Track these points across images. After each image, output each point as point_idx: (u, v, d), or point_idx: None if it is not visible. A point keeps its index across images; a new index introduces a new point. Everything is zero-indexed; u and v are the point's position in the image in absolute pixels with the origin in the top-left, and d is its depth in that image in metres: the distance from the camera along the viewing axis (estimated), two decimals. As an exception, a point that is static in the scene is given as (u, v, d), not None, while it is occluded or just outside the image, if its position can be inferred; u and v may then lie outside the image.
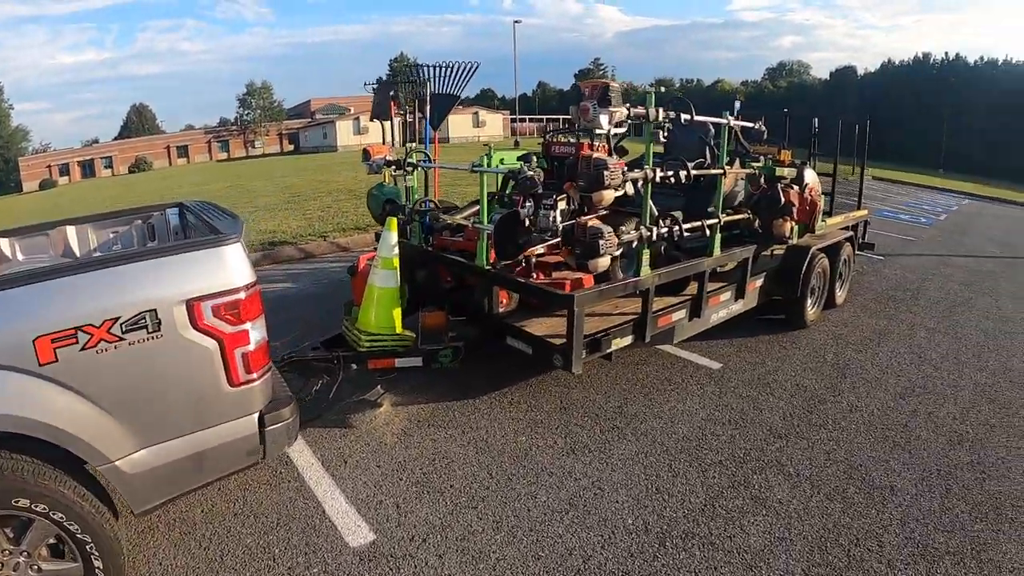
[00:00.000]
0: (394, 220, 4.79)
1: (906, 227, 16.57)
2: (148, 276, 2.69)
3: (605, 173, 3.99)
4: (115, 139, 77.00)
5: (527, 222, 4.33)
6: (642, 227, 4.62)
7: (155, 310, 2.65)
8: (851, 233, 8.31)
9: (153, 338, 2.66)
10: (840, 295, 8.03)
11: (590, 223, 4.11)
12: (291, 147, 71.75)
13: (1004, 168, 50.58)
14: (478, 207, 5.04)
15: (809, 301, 7.03)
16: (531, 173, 4.25)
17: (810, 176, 6.54)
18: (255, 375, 2.97)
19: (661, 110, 4.56)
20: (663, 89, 5.57)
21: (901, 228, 16.08)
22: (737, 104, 6.47)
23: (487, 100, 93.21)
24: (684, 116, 4.78)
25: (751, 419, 4.93)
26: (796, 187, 6.10)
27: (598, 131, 4.31)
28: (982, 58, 76.05)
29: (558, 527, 3.58)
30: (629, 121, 4.54)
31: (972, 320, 8.03)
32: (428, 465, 4.16)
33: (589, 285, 4.76)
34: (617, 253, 4.37)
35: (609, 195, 4.11)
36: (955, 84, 70.26)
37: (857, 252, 8.73)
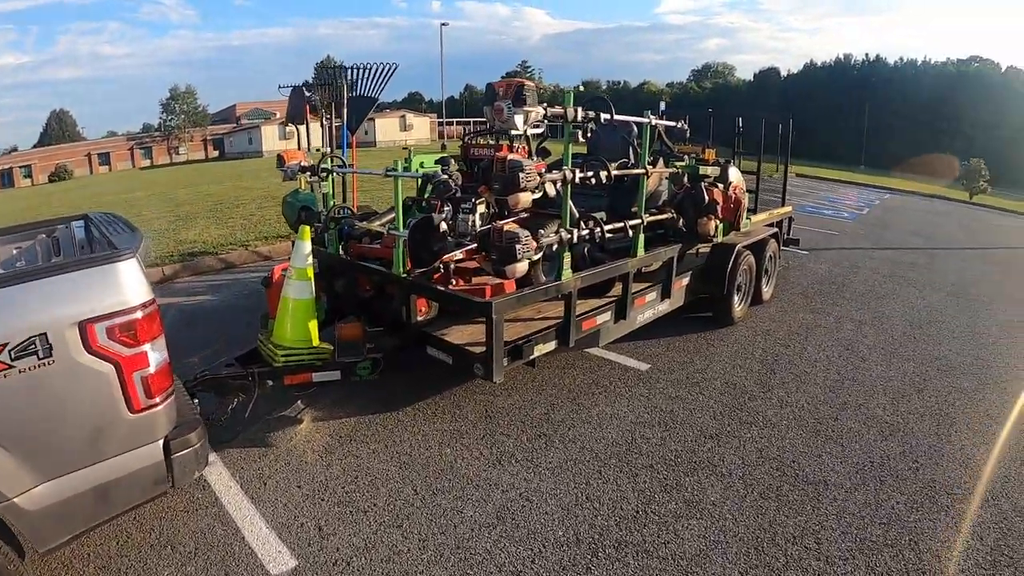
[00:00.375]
0: (307, 229, 4.58)
1: (830, 222, 16.97)
2: (36, 297, 2.51)
3: (520, 175, 3.85)
4: (35, 147, 73.84)
5: (442, 227, 4.18)
6: (562, 230, 4.51)
7: (46, 334, 2.47)
8: (776, 230, 8.40)
9: (45, 364, 2.47)
10: (766, 291, 8.11)
11: (506, 227, 3.96)
12: (216, 153, 69.99)
13: (923, 163, 52.48)
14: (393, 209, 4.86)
15: (736, 298, 7.06)
16: (445, 177, 4.11)
17: (734, 174, 6.55)
18: (157, 399, 2.79)
19: (580, 109, 4.45)
20: (583, 88, 5.48)
21: (825, 223, 16.46)
22: (662, 105, 6.45)
23: (415, 103, 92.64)
24: (604, 115, 4.68)
25: (681, 420, 4.87)
26: (720, 185, 6.09)
27: (513, 132, 4.18)
28: (902, 59, 79.08)
29: (486, 542, 3.45)
30: (546, 121, 4.41)
31: (898, 311, 8.23)
32: (350, 483, 3.97)
33: (511, 290, 4.64)
34: (536, 257, 4.24)
35: (525, 198, 3.98)
36: (875, 84, 72.77)
37: (782, 248, 8.85)
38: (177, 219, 13.71)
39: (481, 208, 4.40)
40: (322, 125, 7.24)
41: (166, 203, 17.44)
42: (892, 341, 6.97)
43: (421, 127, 63.71)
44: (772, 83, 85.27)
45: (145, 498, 2.96)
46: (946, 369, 6.19)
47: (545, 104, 4.20)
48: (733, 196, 6.29)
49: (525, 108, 3.97)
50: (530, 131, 4.28)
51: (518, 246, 3.92)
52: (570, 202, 4.62)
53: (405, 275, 4.71)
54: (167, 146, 71.32)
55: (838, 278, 9.93)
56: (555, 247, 4.46)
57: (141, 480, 2.83)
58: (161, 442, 2.85)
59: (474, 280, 4.96)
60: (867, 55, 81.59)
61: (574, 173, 4.49)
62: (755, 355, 6.28)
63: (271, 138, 54.33)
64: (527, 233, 4.00)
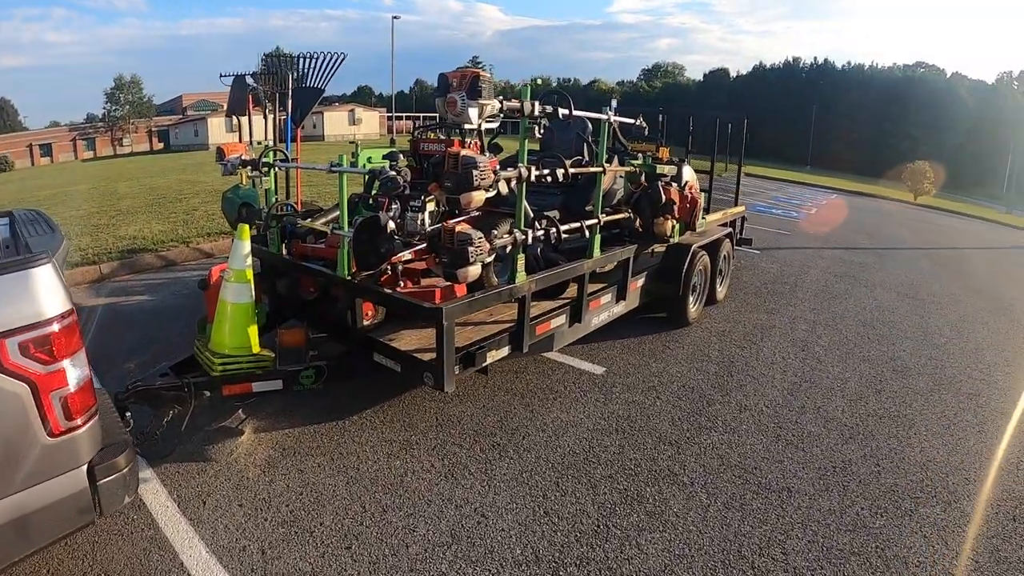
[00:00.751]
0: (246, 227, 4.26)
1: (779, 221, 17.11)
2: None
3: (474, 173, 3.59)
4: (-29, 136, 70.88)
5: (390, 227, 3.92)
6: (516, 230, 4.28)
7: (-50, 352, 2.16)
8: (730, 230, 8.36)
9: (-50, 386, 2.17)
10: (720, 291, 8.06)
11: (458, 228, 3.71)
12: (161, 145, 68.00)
13: (869, 165, 53.73)
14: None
15: (691, 299, 6.97)
16: (393, 173, 3.86)
17: (689, 173, 6.46)
18: (79, 421, 2.49)
19: (537, 104, 4.23)
20: (540, 82, 5.28)
21: (774, 222, 16.57)
22: (613, 103, 6.26)
23: (364, 97, 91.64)
24: (562, 111, 4.47)
25: (639, 426, 4.73)
26: (675, 185, 5.98)
27: (467, 126, 3.94)
28: (849, 63, 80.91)
29: (440, 564, 3.24)
30: (502, 116, 4.16)
31: (851, 311, 8.27)
32: (295, 501, 3.72)
33: (462, 294, 4.42)
34: (489, 260, 4.03)
35: (479, 197, 3.72)
36: (823, 86, 74.22)
37: (735, 247, 8.80)
38: (118, 213, 13.15)
39: (431, 206, 4.18)
40: (265, 117, 6.91)
41: (107, 197, 16.77)
42: (846, 342, 6.96)
43: (370, 121, 62.99)
44: (721, 84, 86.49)
45: (70, 529, 2.66)
46: (901, 370, 6.20)
47: (501, 97, 3.96)
48: (689, 196, 6.19)
49: (480, 101, 3.71)
50: (484, 125, 4.03)
51: (470, 248, 3.66)
52: (524, 201, 4.43)
53: (350, 277, 4.41)
54: (111, 137, 69.09)
55: (790, 278, 9.95)
56: (508, 248, 4.25)
57: (64, 510, 2.54)
58: (85, 468, 2.55)
59: (423, 282, 4.73)
60: (815, 58, 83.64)
61: (529, 171, 4.26)
62: (711, 357, 6.18)
63: (217, 130, 52.77)
64: (480, 235, 3.75)
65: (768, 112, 66.04)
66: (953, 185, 45.35)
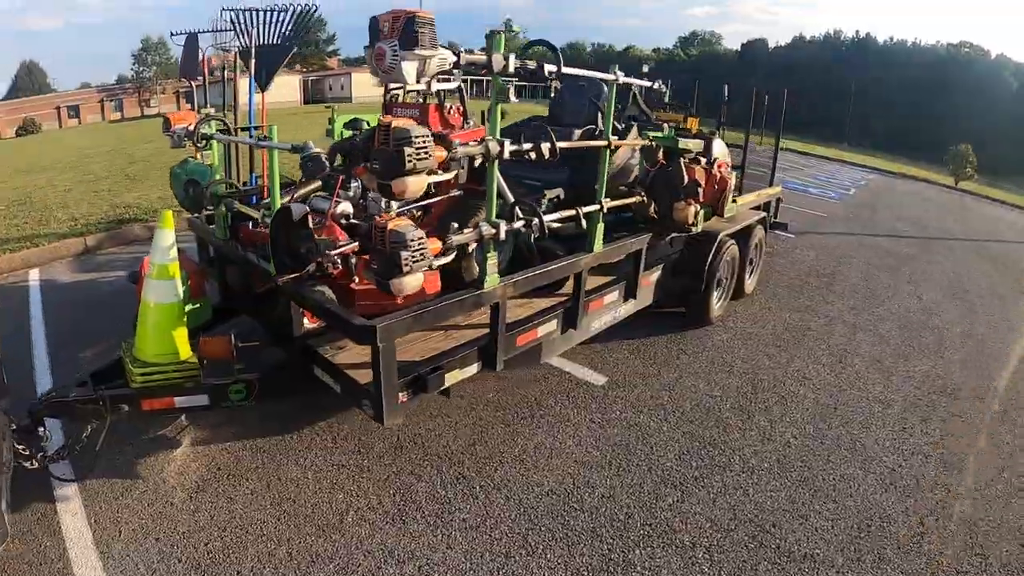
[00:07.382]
0: (169, 214, 3.56)
1: (816, 202, 16.06)
2: None
3: (407, 152, 2.68)
4: (3, 99, 71.37)
5: (306, 219, 3.10)
6: (484, 223, 3.35)
7: None
8: (764, 214, 7.47)
9: None
10: (750, 284, 7.23)
11: (391, 225, 2.78)
12: (188, 106, 67.88)
13: (906, 145, 51.82)
14: (305, 189, 3.78)
15: (715, 295, 6.15)
16: (318, 151, 3.02)
17: (719, 149, 5.58)
18: None
19: (513, 58, 3.22)
20: (516, 30, 4.35)
21: (811, 203, 15.53)
22: (645, 68, 5.36)
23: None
24: (549, 68, 3.49)
25: (638, 459, 3.96)
26: (703, 161, 5.10)
27: (394, 86, 3.07)
28: (891, 38, 78.26)
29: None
30: (458, 71, 3.19)
31: (894, 313, 7.39)
32: (216, 538, 3.10)
33: (434, 291, 3.55)
34: (445, 261, 3.15)
35: (416, 184, 2.79)
36: (863, 62, 71.85)
37: (769, 233, 7.92)
38: (125, 178, 12.80)
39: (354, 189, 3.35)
40: (224, 80, 6.21)
41: (122, 159, 16.38)
42: (889, 353, 6.09)
43: (399, 83, 62.15)
44: (760, 54, 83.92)
45: None
46: (951, 393, 5.32)
47: (459, 48, 2.99)
48: (717, 175, 5.26)
49: (419, 51, 2.76)
50: (435, 85, 3.11)
51: (404, 254, 2.72)
52: (501, 184, 3.59)
53: (275, 276, 3.42)
54: (139, 98, 69.00)
55: (827, 269, 9.03)
56: (472, 247, 3.35)
57: None
58: None
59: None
60: (857, 32, 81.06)
61: (502, 146, 3.29)
62: (734, 367, 5.37)
63: (245, 92, 52.36)
64: (421, 233, 2.82)
65: (807, 84, 64.02)
66: (991, 171, 43.34)
